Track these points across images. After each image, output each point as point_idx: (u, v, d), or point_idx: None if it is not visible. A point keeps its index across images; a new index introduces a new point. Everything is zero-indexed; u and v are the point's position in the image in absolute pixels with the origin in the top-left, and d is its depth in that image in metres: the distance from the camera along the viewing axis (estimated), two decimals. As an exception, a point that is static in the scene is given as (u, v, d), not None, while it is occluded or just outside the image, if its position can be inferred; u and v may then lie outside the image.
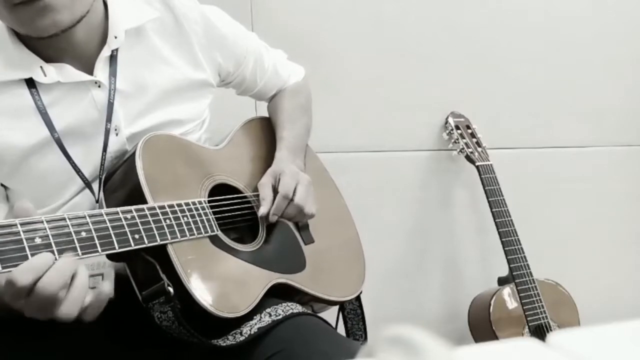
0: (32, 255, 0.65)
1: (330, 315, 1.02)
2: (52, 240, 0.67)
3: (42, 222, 0.67)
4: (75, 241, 0.69)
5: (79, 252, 0.69)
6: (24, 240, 0.65)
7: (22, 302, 0.66)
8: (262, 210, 0.96)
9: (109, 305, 0.81)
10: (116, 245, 0.73)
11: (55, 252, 0.67)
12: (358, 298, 1.13)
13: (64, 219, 0.69)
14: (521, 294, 1.49)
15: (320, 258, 1.05)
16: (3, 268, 0.63)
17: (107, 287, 0.71)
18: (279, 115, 1.15)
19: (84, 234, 0.70)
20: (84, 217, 0.71)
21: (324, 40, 1.61)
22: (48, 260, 0.65)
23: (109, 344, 0.89)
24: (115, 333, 0.89)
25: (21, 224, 0.66)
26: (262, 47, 1.16)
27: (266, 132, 1.15)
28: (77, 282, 0.68)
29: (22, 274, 0.63)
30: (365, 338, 1.14)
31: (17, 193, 0.91)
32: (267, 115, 1.21)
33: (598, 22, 1.92)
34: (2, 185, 0.92)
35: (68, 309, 0.67)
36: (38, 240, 0.66)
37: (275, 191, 0.99)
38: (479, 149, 1.66)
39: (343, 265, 1.12)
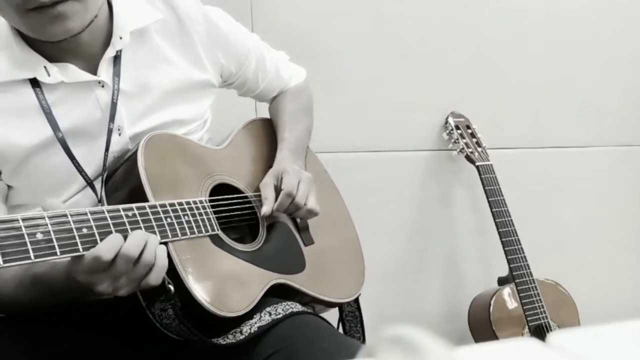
0: (33, 250, 0.65)
1: (331, 318, 1.02)
2: (53, 236, 0.67)
3: (43, 217, 0.68)
4: (77, 237, 0.69)
5: (80, 248, 0.69)
6: (25, 236, 0.65)
7: (99, 275, 0.72)
8: (264, 210, 0.97)
9: (109, 304, 0.82)
10: None
11: (57, 248, 0.67)
12: (356, 300, 1.13)
13: (65, 215, 0.70)
14: (521, 294, 1.49)
15: (320, 259, 1.05)
16: (4, 262, 0.63)
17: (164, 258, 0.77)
18: (280, 116, 1.16)
19: (85, 230, 0.70)
20: (86, 213, 0.72)
21: (324, 40, 1.61)
22: (119, 236, 0.73)
23: (108, 343, 0.89)
24: (115, 332, 0.89)
25: (23, 219, 0.66)
26: (264, 48, 1.16)
27: (267, 133, 1.15)
28: (150, 244, 0.75)
29: (107, 251, 0.70)
30: (364, 341, 1.14)
31: (17, 191, 0.91)
32: (267, 116, 1.21)
33: (598, 22, 1.92)
34: (6, 185, 0.92)
35: (140, 271, 0.74)
36: (39, 236, 0.66)
37: (277, 191, 0.99)
38: (479, 149, 1.66)
39: (343, 266, 1.12)
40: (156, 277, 0.75)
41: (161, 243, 0.78)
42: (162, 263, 0.76)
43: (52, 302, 0.82)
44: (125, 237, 0.73)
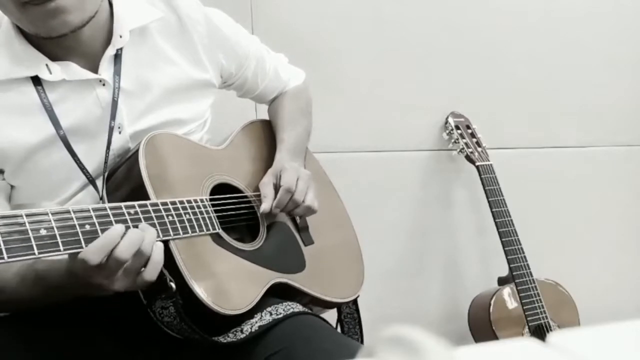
0: (37, 246, 0.66)
1: (329, 319, 1.02)
2: (56, 232, 0.68)
3: (47, 214, 0.68)
4: (80, 234, 0.70)
5: (83, 245, 0.70)
6: (29, 231, 0.66)
7: (92, 271, 0.71)
8: (263, 206, 0.97)
9: (109, 303, 0.82)
10: None
11: (60, 245, 0.68)
12: (355, 302, 1.13)
13: (68, 212, 0.70)
14: (521, 294, 1.49)
15: (320, 259, 1.06)
16: (8, 258, 0.64)
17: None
18: (279, 117, 1.16)
19: (88, 227, 0.71)
20: (88, 210, 0.72)
21: (324, 41, 1.61)
22: (118, 232, 0.72)
23: (109, 343, 0.89)
24: (116, 331, 0.89)
25: (27, 215, 0.66)
26: (264, 50, 1.17)
27: (266, 134, 1.16)
28: (148, 236, 0.74)
29: (94, 254, 0.69)
30: (362, 342, 1.14)
31: (20, 190, 0.92)
32: (267, 117, 1.22)
33: (598, 22, 1.92)
34: (10, 184, 0.92)
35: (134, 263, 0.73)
36: (43, 232, 0.67)
37: (276, 189, 1.00)
38: (479, 149, 1.66)
39: (342, 267, 1.12)
40: (151, 272, 0.74)
41: (162, 241, 0.79)
42: (157, 259, 0.75)
43: (54, 299, 0.81)
44: (125, 232, 0.72)
